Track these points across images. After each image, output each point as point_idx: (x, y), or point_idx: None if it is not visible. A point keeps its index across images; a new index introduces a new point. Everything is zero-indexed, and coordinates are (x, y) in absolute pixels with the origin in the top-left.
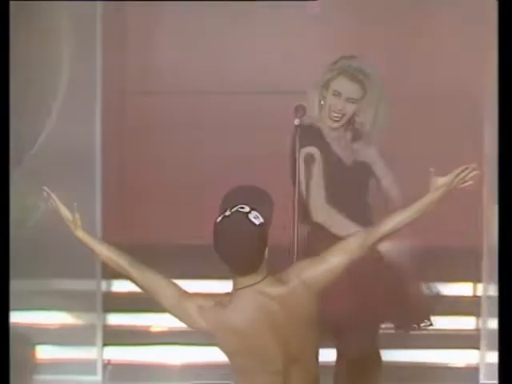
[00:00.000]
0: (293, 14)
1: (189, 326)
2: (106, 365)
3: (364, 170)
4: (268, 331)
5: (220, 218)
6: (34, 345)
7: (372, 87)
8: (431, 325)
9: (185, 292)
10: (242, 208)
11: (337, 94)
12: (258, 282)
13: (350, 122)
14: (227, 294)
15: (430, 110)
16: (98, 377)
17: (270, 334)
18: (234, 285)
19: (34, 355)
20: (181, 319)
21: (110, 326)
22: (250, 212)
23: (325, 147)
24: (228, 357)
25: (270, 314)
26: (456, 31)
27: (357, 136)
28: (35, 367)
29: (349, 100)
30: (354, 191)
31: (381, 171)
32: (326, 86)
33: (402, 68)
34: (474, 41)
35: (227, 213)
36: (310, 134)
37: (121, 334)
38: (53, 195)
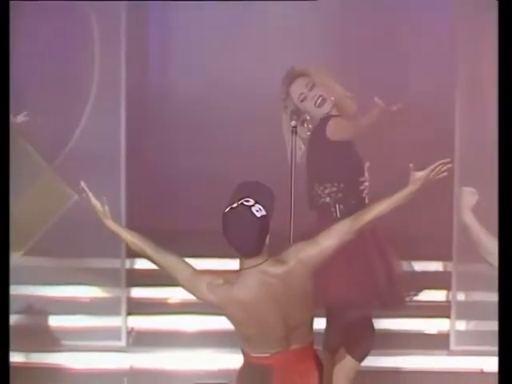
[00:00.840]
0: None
1: (200, 299)
2: (130, 332)
3: (344, 148)
4: (270, 304)
5: (228, 209)
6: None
7: (314, 71)
8: (416, 295)
9: (196, 271)
10: (247, 201)
11: (301, 94)
12: (261, 263)
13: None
14: (234, 272)
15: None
16: (123, 342)
17: (272, 306)
18: (240, 265)
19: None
20: (193, 294)
21: (133, 299)
22: (253, 205)
23: (319, 137)
24: (235, 327)
25: (271, 289)
26: (429, 34)
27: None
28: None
29: (308, 87)
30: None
31: None
32: (289, 100)
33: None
34: (446, 43)
35: (234, 205)
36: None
37: (142, 305)
38: (87, 189)
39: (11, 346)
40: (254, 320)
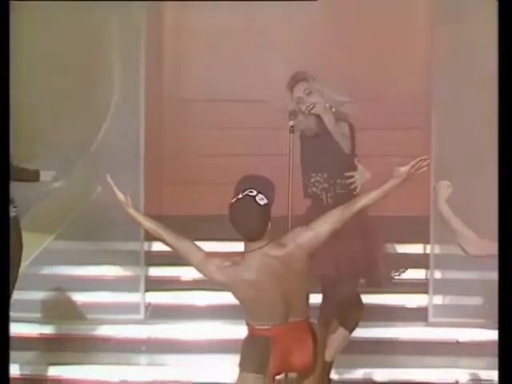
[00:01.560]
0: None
1: (209, 279)
2: (147, 306)
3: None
4: (271, 283)
5: (234, 200)
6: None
7: (312, 80)
8: (404, 272)
9: (207, 254)
10: (251, 192)
11: (298, 97)
12: (263, 246)
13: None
14: (240, 254)
15: (388, 107)
16: (141, 316)
17: (273, 285)
18: (245, 248)
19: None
20: (203, 274)
21: (150, 277)
22: (256, 195)
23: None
24: (240, 302)
25: (272, 270)
26: (402, 33)
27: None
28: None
29: (306, 92)
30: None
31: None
32: (290, 101)
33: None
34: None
35: (240, 196)
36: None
37: (158, 283)
38: (111, 182)
39: (44, 319)
40: (257, 297)
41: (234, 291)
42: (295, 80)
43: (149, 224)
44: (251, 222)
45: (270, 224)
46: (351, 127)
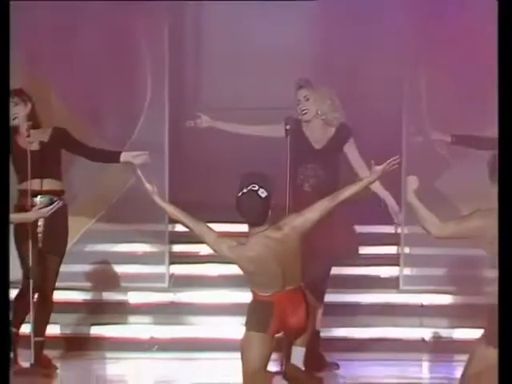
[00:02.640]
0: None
1: (220, 256)
2: (171, 277)
3: (332, 152)
4: (271, 259)
5: (240, 193)
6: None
7: (314, 89)
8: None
9: (218, 235)
10: (254, 187)
11: (298, 100)
12: (264, 230)
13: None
14: (245, 236)
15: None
16: (165, 284)
17: (272, 261)
18: (249, 231)
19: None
20: (216, 252)
21: (173, 252)
22: (258, 189)
23: (300, 135)
24: (245, 274)
25: (272, 249)
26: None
27: (326, 124)
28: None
29: (305, 98)
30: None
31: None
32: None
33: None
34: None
35: (244, 190)
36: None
37: (180, 257)
38: (141, 174)
39: (87, 287)
40: (259, 270)
41: (240, 265)
42: (299, 85)
43: (171, 209)
44: (254, 211)
45: (269, 212)
46: (339, 132)
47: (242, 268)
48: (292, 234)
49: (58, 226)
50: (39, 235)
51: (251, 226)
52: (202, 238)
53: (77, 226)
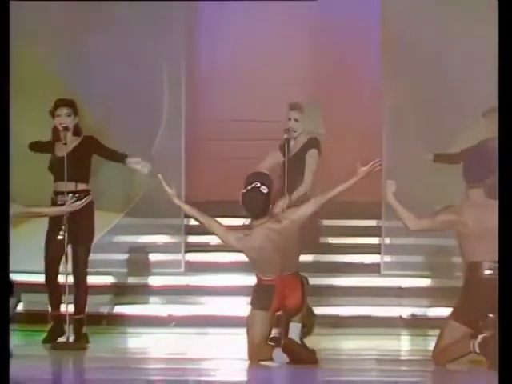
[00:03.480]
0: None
1: (228, 246)
2: (186, 263)
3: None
4: (272, 249)
5: (245, 190)
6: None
7: (305, 111)
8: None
9: (226, 228)
10: (256, 184)
11: (288, 119)
12: (265, 222)
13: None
14: (249, 229)
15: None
16: (182, 269)
17: (273, 250)
18: (252, 223)
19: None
20: (224, 242)
21: (189, 242)
22: (260, 186)
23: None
24: (250, 261)
25: (272, 239)
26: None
27: (308, 143)
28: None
29: (295, 119)
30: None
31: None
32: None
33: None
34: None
35: (248, 187)
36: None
37: (194, 246)
38: (161, 178)
39: (114, 272)
40: (262, 258)
41: (245, 254)
42: (291, 107)
43: (187, 208)
44: (257, 205)
45: (270, 206)
46: (319, 151)
47: (247, 256)
48: (290, 226)
49: (85, 220)
50: (63, 229)
51: (254, 218)
52: (212, 231)
53: (106, 220)
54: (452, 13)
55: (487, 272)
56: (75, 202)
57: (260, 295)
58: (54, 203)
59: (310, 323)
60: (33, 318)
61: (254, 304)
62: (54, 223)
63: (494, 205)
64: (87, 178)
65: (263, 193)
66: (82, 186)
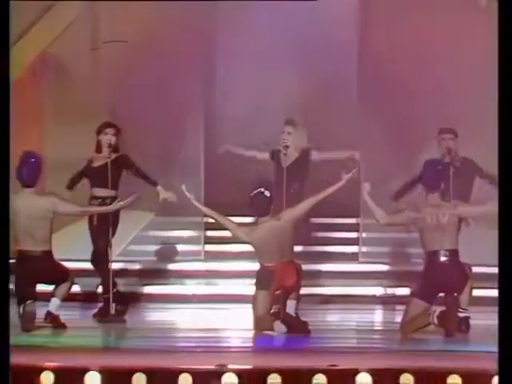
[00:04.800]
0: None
1: (238, 238)
2: (205, 253)
3: (297, 171)
4: (273, 241)
5: (252, 194)
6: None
7: (296, 126)
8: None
9: (237, 224)
10: (261, 190)
11: (282, 132)
12: (268, 220)
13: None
14: (255, 225)
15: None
16: (202, 257)
17: (274, 242)
18: (257, 220)
19: None
20: (235, 236)
21: (207, 236)
22: (264, 192)
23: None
24: (256, 252)
25: (273, 234)
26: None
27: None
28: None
29: (288, 133)
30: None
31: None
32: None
33: None
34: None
35: (255, 192)
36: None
37: (212, 239)
38: (184, 188)
39: (144, 259)
40: (265, 248)
41: (252, 245)
42: (285, 122)
43: (205, 209)
44: (261, 207)
45: (271, 207)
46: (306, 167)
47: (253, 246)
48: (287, 223)
49: (115, 218)
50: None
51: (259, 217)
52: (226, 227)
53: (142, 219)
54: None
55: (443, 259)
56: (119, 202)
57: (262, 278)
58: (93, 205)
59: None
60: (85, 296)
61: (258, 285)
62: (101, 219)
63: (447, 205)
64: (117, 187)
65: (266, 196)
66: (112, 193)
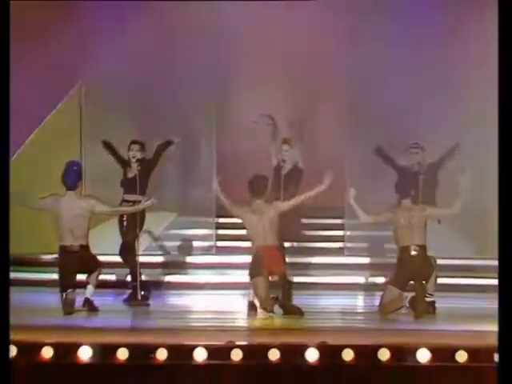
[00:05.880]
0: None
1: (238, 217)
2: (217, 248)
3: (292, 178)
4: (263, 224)
5: (251, 178)
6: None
7: (291, 144)
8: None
9: (236, 205)
10: (259, 174)
11: (281, 150)
12: (260, 204)
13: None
14: (249, 206)
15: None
16: (213, 252)
17: (263, 225)
18: (251, 202)
19: None
20: (236, 216)
21: (218, 234)
22: (261, 176)
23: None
24: (247, 229)
25: (263, 217)
26: None
27: (291, 172)
28: None
29: (286, 151)
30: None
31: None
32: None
33: None
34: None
35: (254, 176)
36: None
37: (222, 236)
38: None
39: (166, 252)
40: (256, 230)
41: (245, 224)
42: (283, 141)
43: (223, 198)
44: (258, 189)
45: (266, 192)
46: (299, 176)
47: (245, 226)
48: (276, 212)
49: (142, 218)
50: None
51: (255, 198)
52: (230, 208)
53: (165, 219)
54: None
55: (413, 253)
56: (145, 202)
57: (255, 266)
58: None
59: (289, 289)
60: (117, 284)
61: (254, 272)
62: (130, 219)
63: (417, 208)
64: (144, 192)
65: (262, 179)
66: (139, 198)
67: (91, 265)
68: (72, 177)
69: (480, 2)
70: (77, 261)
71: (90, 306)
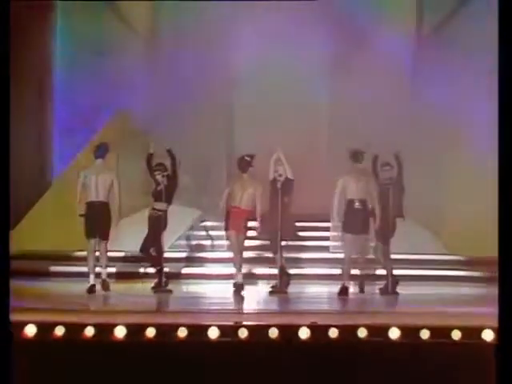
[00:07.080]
0: None
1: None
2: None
3: (286, 189)
4: (240, 191)
5: (238, 158)
6: None
7: (283, 163)
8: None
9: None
10: (244, 156)
11: (276, 169)
12: (245, 178)
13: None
14: (237, 177)
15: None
16: (225, 249)
17: (242, 194)
18: (238, 175)
19: None
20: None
21: None
22: (245, 157)
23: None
24: (229, 194)
25: (242, 188)
26: None
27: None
28: None
29: (279, 167)
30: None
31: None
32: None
33: None
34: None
35: (240, 156)
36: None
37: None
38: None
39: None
40: (236, 197)
41: (229, 188)
42: (275, 161)
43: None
44: (243, 166)
45: (249, 168)
46: (291, 185)
47: (230, 190)
48: (253, 189)
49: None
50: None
51: (241, 172)
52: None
53: (188, 215)
54: None
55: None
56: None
57: (226, 221)
58: (152, 214)
59: (287, 279)
60: (144, 275)
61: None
62: (155, 220)
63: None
64: (170, 202)
65: (246, 160)
66: (164, 206)
67: (107, 222)
68: (101, 149)
69: None
70: (98, 214)
71: (105, 286)
